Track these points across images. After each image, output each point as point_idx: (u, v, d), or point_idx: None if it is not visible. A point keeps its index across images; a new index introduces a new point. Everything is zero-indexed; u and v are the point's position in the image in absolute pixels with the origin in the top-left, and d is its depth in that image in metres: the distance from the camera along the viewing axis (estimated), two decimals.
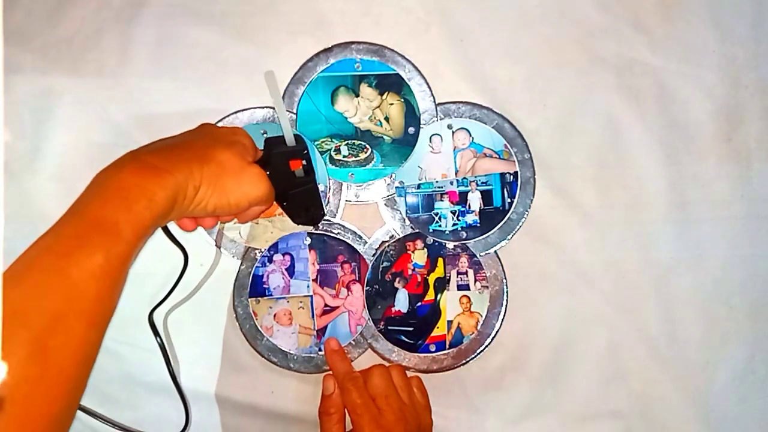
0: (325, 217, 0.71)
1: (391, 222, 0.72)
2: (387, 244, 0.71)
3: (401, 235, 0.71)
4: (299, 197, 0.66)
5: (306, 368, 0.71)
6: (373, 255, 0.71)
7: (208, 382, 0.71)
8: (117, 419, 0.71)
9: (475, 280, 0.71)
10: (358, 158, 0.72)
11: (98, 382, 0.71)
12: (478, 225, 0.71)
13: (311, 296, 0.71)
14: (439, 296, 0.71)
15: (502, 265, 0.71)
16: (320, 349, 0.71)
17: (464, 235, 0.71)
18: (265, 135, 0.72)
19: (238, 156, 0.57)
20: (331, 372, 0.68)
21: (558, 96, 0.72)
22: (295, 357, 0.71)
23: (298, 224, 0.69)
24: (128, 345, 0.71)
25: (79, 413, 0.70)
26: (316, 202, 0.68)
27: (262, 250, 0.71)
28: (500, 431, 0.70)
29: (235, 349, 0.71)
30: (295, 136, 0.63)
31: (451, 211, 0.71)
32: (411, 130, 0.72)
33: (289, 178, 0.64)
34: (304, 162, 0.63)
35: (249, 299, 0.71)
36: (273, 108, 0.72)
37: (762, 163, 0.71)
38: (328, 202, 0.72)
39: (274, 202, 0.64)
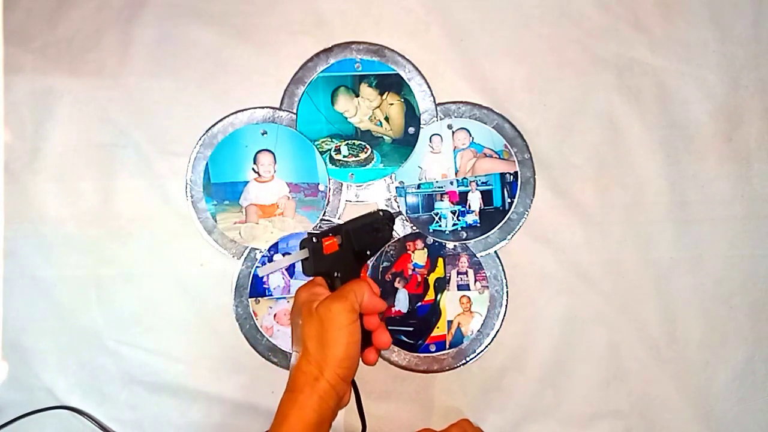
0: (326, 217, 0.71)
1: None
2: (387, 244, 0.71)
3: (401, 235, 0.71)
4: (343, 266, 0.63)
5: None
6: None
7: (208, 382, 0.71)
8: (117, 419, 0.71)
9: (475, 280, 0.71)
10: (358, 158, 0.72)
11: (98, 382, 0.71)
12: (478, 225, 0.71)
13: None
14: (439, 296, 0.71)
15: (502, 265, 0.71)
16: None
17: (464, 235, 0.71)
18: (265, 135, 0.72)
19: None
20: None
21: (558, 96, 0.72)
22: None
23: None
24: (128, 345, 0.71)
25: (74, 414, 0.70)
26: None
27: (262, 250, 0.71)
28: (500, 431, 0.69)
29: (235, 349, 0.71)
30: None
31: (451, 211, 0.71)
32: (411, 130, 0.72)
33: (334, 258, 0.62)
34: (335, 239, 0.62)
35: (249, 299, 0.71)
36: (272, 108, 0.72)
37: (762, 163, 0.71)
38: (329, 202, 0.72)
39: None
